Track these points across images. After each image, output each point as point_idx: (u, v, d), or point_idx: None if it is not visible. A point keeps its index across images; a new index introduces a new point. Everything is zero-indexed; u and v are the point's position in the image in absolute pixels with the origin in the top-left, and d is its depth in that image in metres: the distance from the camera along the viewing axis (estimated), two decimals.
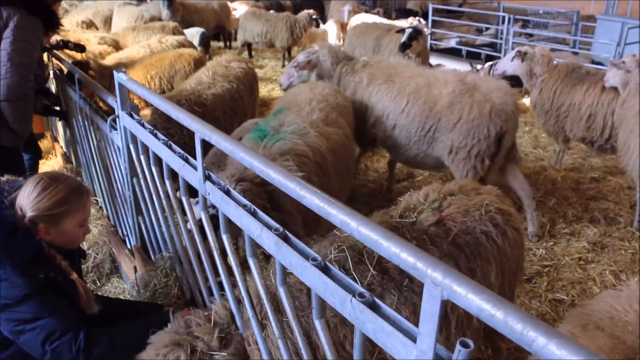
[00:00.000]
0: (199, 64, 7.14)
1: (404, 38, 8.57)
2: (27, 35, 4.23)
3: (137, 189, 3.79)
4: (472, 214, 2.81)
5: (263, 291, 2.23)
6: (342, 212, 1.64)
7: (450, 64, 11.29)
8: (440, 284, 1.32)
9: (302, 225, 3.74)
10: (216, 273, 2.77)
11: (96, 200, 5.55)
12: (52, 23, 4.55)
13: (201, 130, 2.44)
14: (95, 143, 4.84)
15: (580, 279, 4.67)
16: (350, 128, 4.91)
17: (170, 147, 2.97)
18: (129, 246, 4.51)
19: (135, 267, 4.07)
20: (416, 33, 8.48)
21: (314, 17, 13.01)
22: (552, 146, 7.55)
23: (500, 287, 2.88)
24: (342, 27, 15.05)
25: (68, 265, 2.64)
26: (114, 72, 3.56)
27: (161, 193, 3.29)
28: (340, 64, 5.79)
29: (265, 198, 3.50)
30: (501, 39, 12.40)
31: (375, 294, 2.29)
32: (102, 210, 5.39)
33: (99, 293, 4.26)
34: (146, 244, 4.07)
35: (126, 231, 4.55)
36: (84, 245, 4.86)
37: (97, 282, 4.60)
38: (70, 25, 10.55)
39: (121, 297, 4.34)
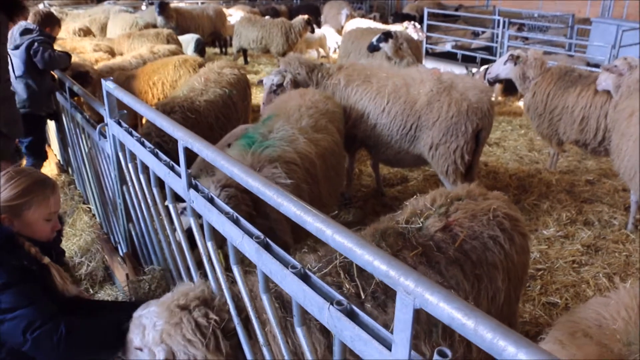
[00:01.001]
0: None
1: (373, 39, 8.69)
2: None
3: (127, 196, 3.78)
4: (480, 218, 2.80)
5: (247, 298, 2.22)
6: (318, 220, 1.63)
7: (446, 68, 11.28)
8: (412, 292, 1.31)
9: (289, 232, 3.72)
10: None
11: (89, 208, 5.55)
12: (16, 10, 4.39)
13: (184, 138, 2.44)
14: (86, 150, 4.84)
15: (574, 282, 4.65)
16: (340, 135, 4.90)
17: (156, 155, 2.96)
18: (120, 253, 4.50)
19: (127, 275, 4.06)
20: (385, 36, 8.54)
21: (306, 19, 12.99)
22: (548, 149, 7.54)
23: (506, 292, 2.87)
24: (338, 32, 15.09)
25: (38, 250, 2.65)
26: (102, 80, 3.55)
27: (149, 201, 3.29)
28: (315, 70, 5.82)
29: (251, 205, 3.49)
30: (497, 42, 12.41)
31: (379, 302, 2.28)
32: (95, 218, 5.37)
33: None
34: (137, 251, 4.06)
35: (118, 238, 4.54)
36: (77, 254, 4.86)
37: (90, 289, 4.58)
38: (67, 33, 10.58)
39: None
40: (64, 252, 3.16)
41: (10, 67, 5.10)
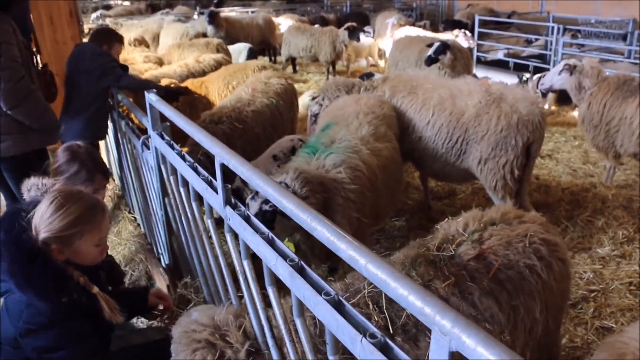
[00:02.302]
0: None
1: (430, 52, 8.32)
2: (3, 36, 4.06)
3: (168, 208, 3.79)
4: (515, 245, 2.65)
5: (282, 321, 2.15)
6: (351, 248, 1.55)
7: (498, 77, 11.03)
8: (449, 333, 1.21)
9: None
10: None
11: (134, 217, 5.62)
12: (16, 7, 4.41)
13: (220, 154, 2.40)
14: (132, 160, 4.90)
15: (631, 305, 4.38)
16: (397, 139, 4.90)
17: (195, 170, 2.94)
18: (163, 264, 4.52)
19: (168, 286, 4.07)
20: (444, 47, 8.20)
21: (348, 26, 12.85)
22: (603, 162, 7.21)
23: (544, 322, 2.74)
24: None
25: (87, 280, 2.59)
26: (145, 92, 3.57)
27: (189, 214, 3.27)
28: (355, 87, 5.74)
29: (321, 199, 3.58)
30: (551, 50, 12.04)
31: (409, 335, 2.18)
32: (140, 228, 5.43)
33: None
34: (178, 262, 4.07)
35: (161, 249, 4.57)
36: (122, 263, 4.91)
37: None
38: None
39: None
40: (104, 266, 3.14)
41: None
